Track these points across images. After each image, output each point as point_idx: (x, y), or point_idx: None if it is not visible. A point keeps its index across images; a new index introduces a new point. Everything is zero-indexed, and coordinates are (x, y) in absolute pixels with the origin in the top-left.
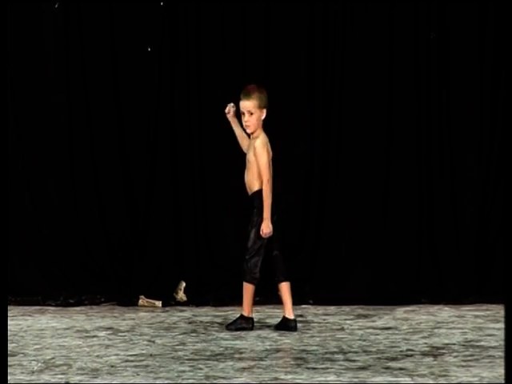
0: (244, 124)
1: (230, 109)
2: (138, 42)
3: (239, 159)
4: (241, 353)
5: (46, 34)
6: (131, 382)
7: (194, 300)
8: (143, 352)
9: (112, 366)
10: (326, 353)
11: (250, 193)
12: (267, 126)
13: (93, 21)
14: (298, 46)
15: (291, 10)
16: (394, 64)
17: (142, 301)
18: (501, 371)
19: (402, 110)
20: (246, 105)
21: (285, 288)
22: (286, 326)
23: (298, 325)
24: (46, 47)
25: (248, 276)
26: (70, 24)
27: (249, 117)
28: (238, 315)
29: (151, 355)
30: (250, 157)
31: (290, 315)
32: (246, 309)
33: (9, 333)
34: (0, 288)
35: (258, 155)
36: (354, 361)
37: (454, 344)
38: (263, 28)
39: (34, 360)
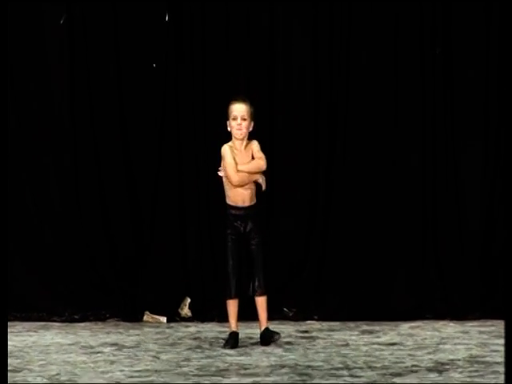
0: (236, 127)
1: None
2: (144, 56)
3: None
4: (245, 369)
5: (50, 47)
6: None
7: (199, 316)
8: (148, 368)
9: (117, 382)
10: (331, 369)
11: (249, 204)
12: (271, 133)
13: (98, 35)
14: (303, 54)
15: (297, 20)
16: (399, 65)
17: (147, 317)
18: None
19: (407, 116)
20: (243, 108)
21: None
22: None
23: (303, 340)
24: (50, 60)
25: (264, 288)
26: (75, 39)
27: (242, 121)
28: (265, 329)
29: (156, 371)
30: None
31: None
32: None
33: (14, 349)
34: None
35: (262, 157)
36: (358, 377)
37: (459, 360)
38: (268, 39)
39: (39, 376)
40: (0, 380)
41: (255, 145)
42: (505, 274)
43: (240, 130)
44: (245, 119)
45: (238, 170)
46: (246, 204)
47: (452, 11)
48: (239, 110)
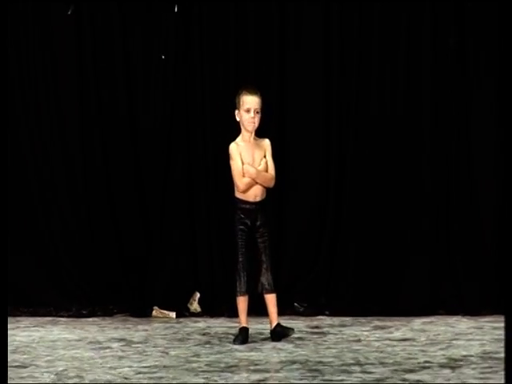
0: (249, 121)
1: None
2: (152, 48)
3: None
4: (256, 364)
5: (56, 38)
6: None
7: (209, 311)
8: (157, 364)
9: (125, 378)
10: (343, 365)
11: (260, 198)
12: (281, 130)
13: (105, 28)
14: (314, 48)
15: (307, 12)
16: (411, 61)
17: (156, 312)
18: None
19: (420, 110)
20: (256, 101)
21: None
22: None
23: (314, 336)
24: (56, 52)
25: (273, 286)
26: (82, 31)
27: (255, 114)
28: (277, 324)
29: (165, 367)
30: (259, 159)
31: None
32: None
33: (20, 344)
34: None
35: (273, 175)
36: (370, 373)
37: (473, 356)
38: (278, 34)
39: (46, 372)
40: (0, 379)
41: (269, 148)
42: (504, 273)
43: (253, 123)
44: (258, 112)
45: (244, 175)
46: (258, 199)
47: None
48: (253, 102)
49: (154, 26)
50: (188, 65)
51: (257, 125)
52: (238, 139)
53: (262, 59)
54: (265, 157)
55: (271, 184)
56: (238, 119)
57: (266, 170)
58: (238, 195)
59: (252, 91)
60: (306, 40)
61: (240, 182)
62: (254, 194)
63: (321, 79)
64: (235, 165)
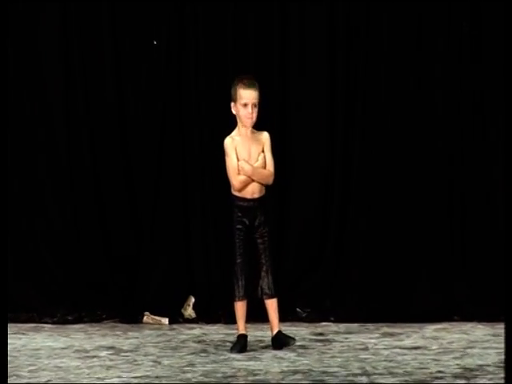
0: (247, 116)
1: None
2: (144, 35)
3: None
4: (255, 375)
5: (43, 29)
6: None
7: (204, 317)
8: (148, 374)
9: None
10: (349, 375)
11: (258, 195)
12: (283, 126)
13: (93, 15)
14: (318, 38)
15: (311, 8)
16: (424, 46)
17: (147, 318)
18: None
19: (431, 104)
20: (253, 95)
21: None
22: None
23: (318, 344)
24: (41, 45)
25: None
26: (69, 25)
27: (253, 108)
28: (277, 332)
29: (157, 377)
30: (257, 154)
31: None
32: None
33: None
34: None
35: (272, 172)
36: None
37: (489, 365)
38: (280, 24)
39: (28, 383)
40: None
41: (268, 142)
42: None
43: (251, 118)
44: (256, 106)
45: (239, 172)
46: (256, 196)
47: None
48: (250, 96)
49: (145, 17)
50: (181, 56)
51: (255, 119)
52: (234, 133)
53: (262, 54)
54: (263, 151)
55: (269, 181)
56: (234, 112)
57: (264, 166)
58: (235, 192)
59: (249, 84)
60: (311, 36)
61: (235, 180)
62: (252, 191)
63: (326, 77)
64: (230, 161)
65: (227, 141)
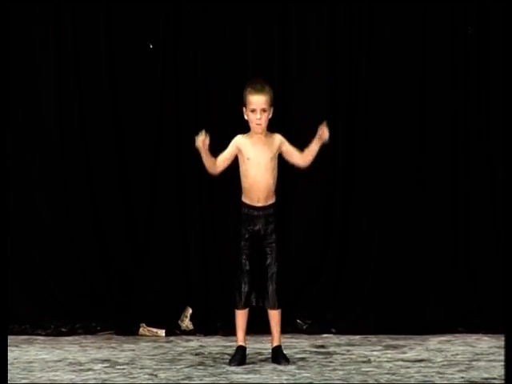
0: (256, 122)
1: (205, 140)
2: (139, 37)
3: None
4: None
5: (37, 29)
6: None
7: (202, 328)
8: None
9: None
10: None
11: (264, 203)
12: (283, 128)
13: (88, 15)
14: (320, 37)
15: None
16: (427, 58)
17: (143, 329)
18: None
19: (436, 106)
20: (261, 100)
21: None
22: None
23: (319, 356)
24: (36, 44)
25: (278, 302)
26: (62, 25)
27: (261, 114)
28: (275, 346)
29: None
30: (267, 158)
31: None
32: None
33: None
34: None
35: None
36: None
37: (495, 378)
38: (280, 23)
39: None
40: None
41: (285, 142)
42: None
43: (260, 124)
44: (265, 110)
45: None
46: (261, 203)
47: None
48: (258, 102)
49: (141, 17)
50: (178, 56)
51: (264, 125)
52: (248, 133)
53: (262, 55)
54: (281, 152)
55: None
56: (246, 117)
57: (275, 170)
58: (243, 199)
59: (257, 88)
60: (312, 35)
61: (211, 168)
62: (257, 197)
63: (328, 77)
64: (223, 153)
65: (236, 137)
